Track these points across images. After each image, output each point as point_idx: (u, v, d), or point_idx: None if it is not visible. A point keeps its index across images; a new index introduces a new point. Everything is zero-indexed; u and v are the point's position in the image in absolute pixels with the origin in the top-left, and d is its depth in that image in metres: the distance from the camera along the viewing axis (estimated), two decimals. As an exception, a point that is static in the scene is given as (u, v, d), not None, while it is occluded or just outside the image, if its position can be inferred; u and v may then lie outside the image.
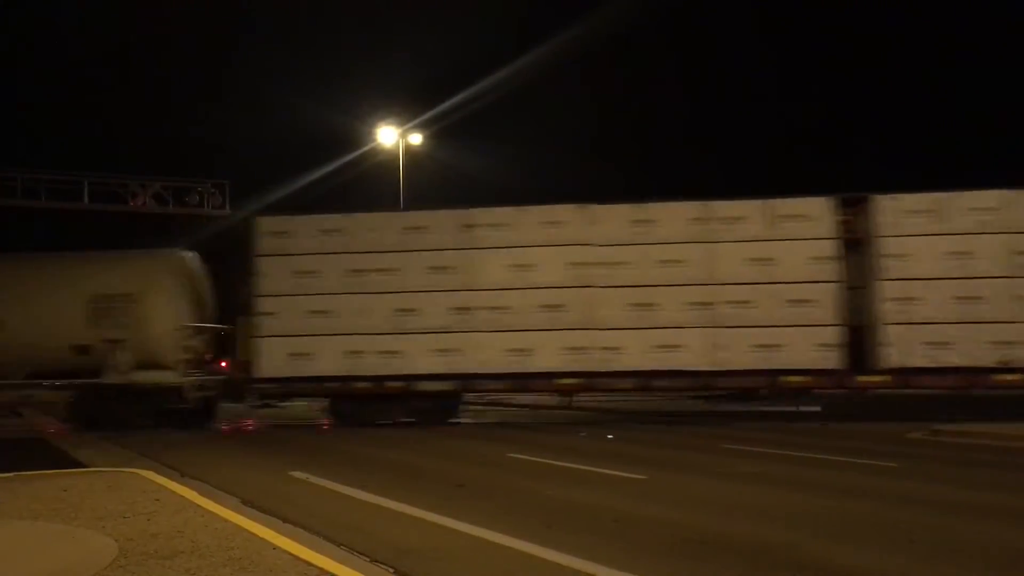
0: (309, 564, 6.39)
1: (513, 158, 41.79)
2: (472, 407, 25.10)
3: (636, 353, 21.09)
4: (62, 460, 14.15)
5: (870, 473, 11.87)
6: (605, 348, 21.17)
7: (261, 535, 7.38)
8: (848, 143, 40.76)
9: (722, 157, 46.31)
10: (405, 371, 21.46)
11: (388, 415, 21.73)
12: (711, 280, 21.14)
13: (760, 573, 6.48)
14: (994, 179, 21.15)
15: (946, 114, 41.48)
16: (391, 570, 6.56)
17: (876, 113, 46.39)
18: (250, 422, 23.30)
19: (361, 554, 6.96)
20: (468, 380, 21.66)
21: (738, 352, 20.92)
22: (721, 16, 51.69)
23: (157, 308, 21.81)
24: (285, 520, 8.35)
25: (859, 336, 20.98)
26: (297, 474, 12.16)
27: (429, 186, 35.44)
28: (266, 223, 22.29)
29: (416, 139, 34.58)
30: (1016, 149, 36.01)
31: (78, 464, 13.53)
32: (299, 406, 25.29)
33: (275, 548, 6.89)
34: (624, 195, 23.29)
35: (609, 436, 17.76)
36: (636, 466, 12.46)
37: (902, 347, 20.51)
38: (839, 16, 49.25)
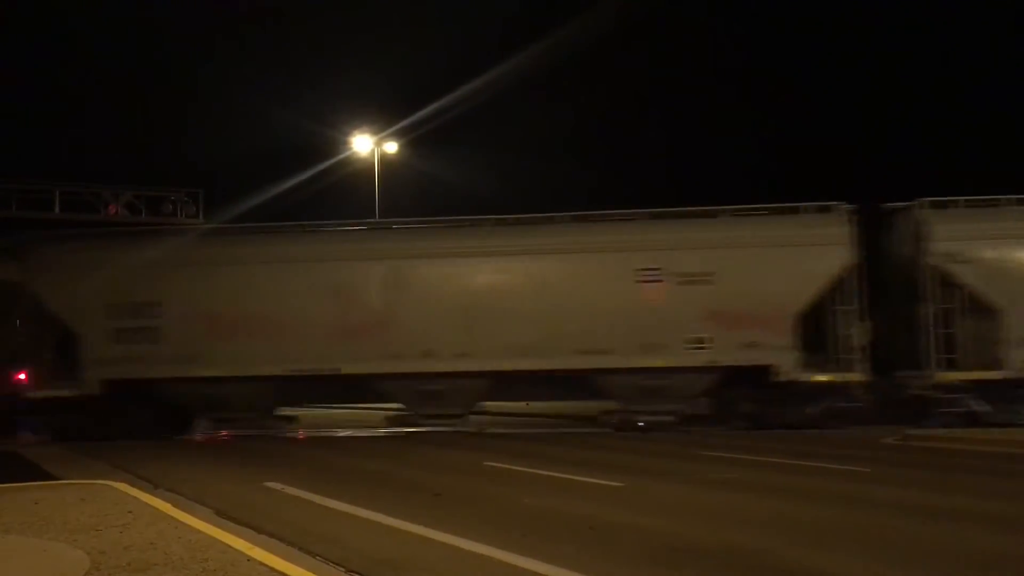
0: (284, 575, 6.36)
1: (490, 165, 41.87)
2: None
3: None
4: (34, 472, 13.98)
5: (843, 478, 11.97)
6: None
7: (236, 546, 7.34)
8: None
9: (699, 166, 46.50)
10: None
11: None
12: None
13: (735, 579, 6.52)
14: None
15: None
16: (367, 580, 6.54)
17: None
18: (224, 432, 23.10)
19: (336, 564, 6.94)
20: None
21: None
22: (697, 22, 51.87)
23: None
24: (260, 531, 8.30)
25: None
26: (272, 484, 12.08)
27: (405, 194, 35.42)
28: None
29: (392, 147, 34.52)
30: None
31: (50, 476, 13.37)
32: None
33: (250, 559, 6.85)
34: (599, 202, 23.26)
35: None
36: (613, 473, 12.49)
37: None
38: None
